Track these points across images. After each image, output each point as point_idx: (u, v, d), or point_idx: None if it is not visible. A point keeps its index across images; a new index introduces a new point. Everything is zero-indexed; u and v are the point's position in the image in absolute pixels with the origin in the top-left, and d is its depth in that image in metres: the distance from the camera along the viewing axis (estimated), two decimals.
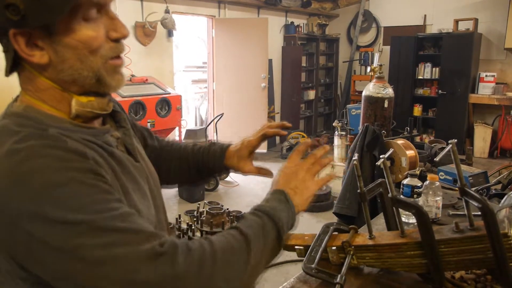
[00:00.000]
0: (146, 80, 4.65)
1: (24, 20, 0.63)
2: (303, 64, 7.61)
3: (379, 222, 1.58)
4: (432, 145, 3.12)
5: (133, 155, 0.83)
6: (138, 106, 4.33)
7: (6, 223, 0.61)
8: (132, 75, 4.71)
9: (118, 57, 0.74)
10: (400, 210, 1.23)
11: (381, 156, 1.12)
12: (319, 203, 4.32)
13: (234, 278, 0.68)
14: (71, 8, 0.64)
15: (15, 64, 0.70)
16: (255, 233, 0.75)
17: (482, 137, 6.42)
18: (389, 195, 1.17)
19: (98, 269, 0.60)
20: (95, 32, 0.69)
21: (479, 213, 1.05)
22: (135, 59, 4.76)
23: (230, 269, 0.68)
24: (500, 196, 1.70)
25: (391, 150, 1.23)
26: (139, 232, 0.64)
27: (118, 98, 4.14)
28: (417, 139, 6.53)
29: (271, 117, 6.93)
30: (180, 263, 0.63)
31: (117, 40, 0.73)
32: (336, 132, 5.00)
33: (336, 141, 4.98)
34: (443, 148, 3.29)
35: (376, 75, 3.10)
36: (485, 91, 6.37)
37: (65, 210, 0.60)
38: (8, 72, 0.71)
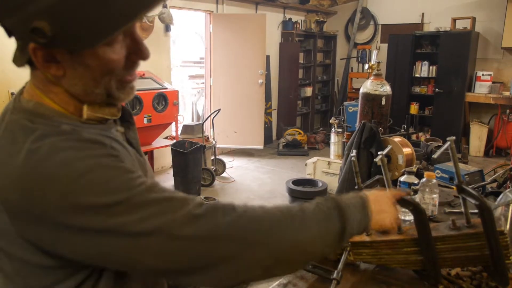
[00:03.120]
0: (143, 74, 4.63)
1: (49, 43, 0.62)
2: (301, 61, 7.60)
3: None
4: (429, 143, 3.13)
5: (136, 149, 0.84)
6: (135, 101, 4.31)
7: (38, 219, 0.62)
8: None
9: (131, 75, 0.75)
10: (397, 207, 1.23)
11: (379, 153, 1.12)
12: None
13: (275, 249, 0.69)
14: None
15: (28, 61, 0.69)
16: (315, 216, 0.75)
17: (478, 135, 6.45)
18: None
19: (141, 241, 0.63)
20: (117, 55, 0.69)
21: (476, 211, 1.06)
22: None
23: (271, 239, 0.69)
24: (496, 194, 1.71)
25: (389, 147, 1.23)
26: (171, 199, 0.67)
27: None
28: (414, 137, 6.55)
29: (268, 113, 6.92)
30: (221, 225, 0.66)
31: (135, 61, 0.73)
32: (333, 129, 5.01)
33: (333, 138, 4.98)
34: (439, 147, 3.30)
35: (373, 73, 3.10)
36: (481, 90, 6.39)
37: (98, 195, 0.62)
38: (20, 65, 0.70)
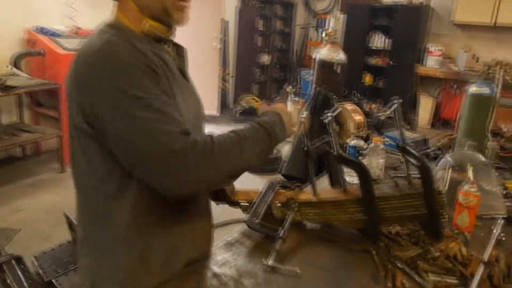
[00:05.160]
0: None
1: None
2: (260, 28, 7.48)
3: (324, 182, 1.61)
4: (380, 114, 3.22)
5: (184, 76, 1.08)
6: None
7: (86, 87, 0.87)
8: (78, 28, 4.42)
9: (184, 0, 0.97)
10: (345, 170, 1.25)
11: (326, 111, 1.12)
12: (268, 166, 4.37)
13: (226, 163, 0.92)
14: None
15: None
16: (247, 134, 0.99)
17: (426, 107, 6.71)
18: (334, 152, 1.19)
19: (143, 136, 0.84)
20: None
21: (418, 175, 1.10)
22: (82, 11, 4.46)
23: (224, 157, 0.91)
24: (438, 159, 1.78)
25: (338, 109, 1.24)
26: (175, 120, 0.88)
27: (61, 51, 3.89)
28: (367, 108, 6.72)
29: (225, 80, 6.82)
30: (198, 148, 0.86)
31: None
32: (289, 97, 5.02)
33: (289, 106, 4.99)
34: (390, 117, 3.40)
35: (329, 40, 3.10)
36: (432, 63, 6.61)
37: (124, 84, 0.84)
38: None
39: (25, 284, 2.03)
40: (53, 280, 2.22)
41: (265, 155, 1.02)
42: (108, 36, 0.91)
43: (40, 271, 2.30)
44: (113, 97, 0.84)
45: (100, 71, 0.85)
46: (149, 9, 0.95)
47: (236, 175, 0.96)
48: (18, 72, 3.88)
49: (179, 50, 1.10)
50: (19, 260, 2.12)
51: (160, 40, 1.01)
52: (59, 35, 4.11)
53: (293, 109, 4.35)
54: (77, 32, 4.35)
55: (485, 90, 1.89)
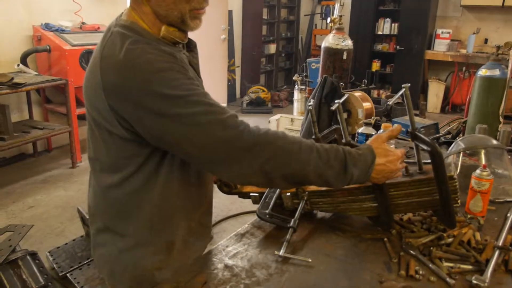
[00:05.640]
0: (98, 28, 4.39)
1: None
2: (265, 17, 7.42)
3: None
4: (388, 100, 3.18)
5: (197, 72, 1.08)
6: (89, 56, 4.09)
7: (125, 96, 0.88)
8: (83, 23, 4.42)
9: (202, 8, 0.98)
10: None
11: (336, 101, 1.11)
12: None
13: (283, 165, 0.93)
14: None
15: None
16: (322, 148, 0.97)
17: (435, 92, 6.63)
18: (343, 140, 1.18)
19: (192, 130, 0.88)
20: None
21: (429, 161, 1.08)
22: (86, 6, 4.45)
23: (284, 159, 0.93)
24: (449, 144, 1.76)
25: (346, 95, 1.22)
26: (221, 107, 0.92)
27: (67, 47, 3.89)
28: (375, 94, 6.67)
29: (231, 70, 6.80)
30: (250, 135, 0.91)
31: None
32: (296, 86, 4.99)
33: (296, 95, 4.97)
34: (399, 103, 3.37)
35: (335, 26, 3.06)
36: (440, 47, 6.51)
37: (167, 88, 0.87)
38: None
39: (40, 279, 2.06)
40: (68, 275, 2.25)
41: (325, 182, 0.99)
42: (133, 42, 0.91)
43: (55, 266, 2.33)
44: (157, 103, 0.87)
45: (139, 80, 0.86)
46: (167, 17, 0.95)
47: (291, 177, 0.96)
48: (25, 69, 3.90)
49: (191, 45, 1.11)
50: (34, 255, 2.15)
51: (175, 43, 1.02)
52: (64, 31, 4.11)
53: (300, 98, 4.26)
54: (82, 27, 4.35)
55: (496, 72, 1.85)
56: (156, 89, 0.86)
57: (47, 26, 4.04)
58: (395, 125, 1.14)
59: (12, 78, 3.46)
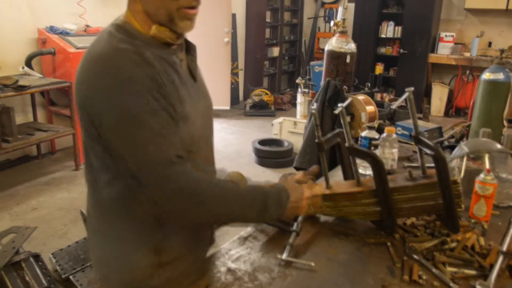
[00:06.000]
0: None
1: None
2: (268, 20, 7.43)
3: (337, 174, 1.60)
4: (392, 103, 3.18)
5: (193, 77, 1.06)
6: None
7: (88, 92, 0.88)
8: (87, 26, 4.44)
9: (192, 7, 0.94)
10: (358, 161, 1.24)
11: (339, 105, 1.11)
12: (281, 160, 4.36)
13: (207, 211, 0.95)
14: None
15: None
16: (245, 191, 1.01)
17: (439, 96, 6.62)
18: (346, 144, 1.18)
19: (134, 150, 0.87)
20: None
21: (432, 165, 1.08)
22: (90, 8, 4.48)
23: (206, 196, 0.93)
24: (452, 148, 1.76)
25: (349, 99, 1.22)
26: (171, 144, 0.90)
27: (72, 50, 3.91)
28: (378, 97, 6.65)
29: (234, 73, 6.81)
30: (183, 180, 0.90)
31: None
32: (299, 89, 4.99)
33: (299, 98, 4.98)
34: (402, 107, 3.36)
35: (339, 30, 3.06)
36: (444, 51, 6.50)
37: (124, 99, 0.86)
38: None
39: (43, 281, 2.07)
40: (71, 277, 2.26)
41: (242, 220, 1.09)
42: (116, 42, 0.90)
43: (58, 268, 2.34)
44: (114, 110, 0.86)
45: (104, 85, 0.86)
46: (155, 15, 0.94)
47: (214, 216, 1.01)
48: (30, 71, 3.92)
49: (190, 48, 1.08)
50: (37, 257, 2.16)
51: (168, 44, 0.99)
52: (69, 34, 4.13)
53: (303, 101, 4.26)
54: (86, 30, 4.37)
55: (500, 76, 1.85)
56: (117, 96, 0.86)
57: (51, 29, 4.06)
58: (314, 166, 1.29)
59: (17, 81, 3.48)
